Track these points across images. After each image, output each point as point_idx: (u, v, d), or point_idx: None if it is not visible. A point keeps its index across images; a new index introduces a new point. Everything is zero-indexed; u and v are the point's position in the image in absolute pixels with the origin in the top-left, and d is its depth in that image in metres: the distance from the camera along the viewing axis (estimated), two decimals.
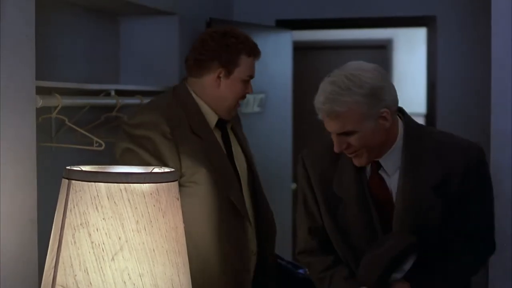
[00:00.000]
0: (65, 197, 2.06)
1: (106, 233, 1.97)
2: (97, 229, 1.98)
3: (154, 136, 2.94)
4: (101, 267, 1.96)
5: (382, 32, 7.31)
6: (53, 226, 2.12)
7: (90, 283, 1.97)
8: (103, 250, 1.97)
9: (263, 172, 4.70)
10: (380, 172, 2.60)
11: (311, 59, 7.41)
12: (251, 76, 3.16)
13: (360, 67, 2.49)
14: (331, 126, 2.47)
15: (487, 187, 2.64)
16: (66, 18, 3.68)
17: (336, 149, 2.50)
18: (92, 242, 1.97)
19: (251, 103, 4.97)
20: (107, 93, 3.70)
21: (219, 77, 3.08)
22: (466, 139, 2.63)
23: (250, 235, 3.13)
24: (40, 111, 2.94)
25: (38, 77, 2.71)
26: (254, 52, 3.14)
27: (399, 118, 2.60)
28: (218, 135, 3.14)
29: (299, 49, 6.18)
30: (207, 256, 3.02)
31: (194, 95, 3.11)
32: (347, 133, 2.46)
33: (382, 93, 2.44)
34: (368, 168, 2.61)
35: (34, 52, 2.63)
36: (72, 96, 3.37)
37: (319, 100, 2.46)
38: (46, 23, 3.28)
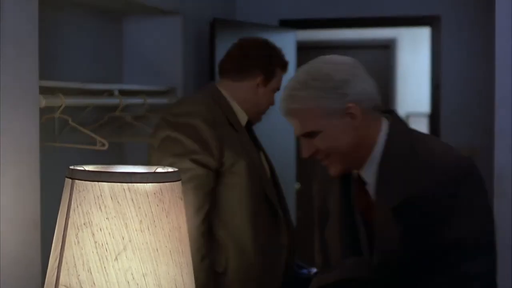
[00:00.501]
0: (68, 197, 2.06)
1: (109, 233, 1.96)
2: (100, 229, 1.97)
3: (198, 124, 3.02)
4: (104, 267, 1.96)
5: (386, 32, 7.31)
6: (56, 226, 2.12)
7: (94, 283, 1.97)
8: (106, 250, 1.96)
9: None
10: (367, 186, 2.26)
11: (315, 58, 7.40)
12: (278, 89, 3.30)
13: (326, 60, 2.21)
14: (294, 127, 2.22)
15: (474, 217, 2.14)
16: (70, 18, 3.68)
17: (303, 154, 2.22)
18: (95, 242, 1.97)
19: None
20: (110, 93, 3.70)
21: (258, 84, 3.23)
22: (458, 155, 2.18)
23: (283, 230, 3.20)
24: (43, 111, 2.95)
25: (41, 77, 2.71)
26: (286, 67, 3.35)
27: (386, 122, 2.23)
28: None
29: (303, 49, 6.18)
30: (244, 247, 3.12)
31: (227, 96, 3.21)
32: (311, 135, 2.18)
33: (346, 87, 2.12)
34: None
35: (37, 52, 2.63)
36: (75, 96, 3.37)
37: (281, 98, 2.22)
38: (49, 23, 3.28)
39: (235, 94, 3.21)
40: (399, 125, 2.24)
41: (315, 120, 2.14)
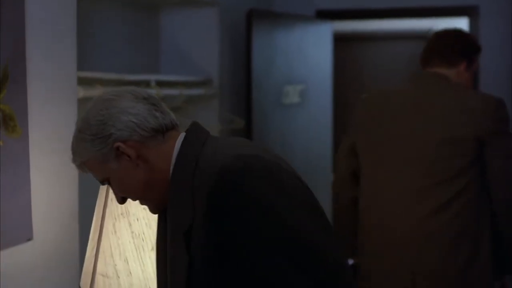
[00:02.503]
0: (106, 187, 2.07)
1: (146, 223, 1.98)
2: (137, 219, 1.99)
3: None
4: (141, 257, 1.98)
5: (423, 23, 7.25)
6: (94, 216, 2.14)
7: (130, 273, 1.99)
8: (143, 240, 1.98)
9: (302, 163, 4.67)
10: None
11: (351, 49, 7.37)
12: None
13: (88, 104, 1.93)
14: None
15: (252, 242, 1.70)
16: (108, 9, 3.70)
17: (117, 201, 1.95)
18: (132, 232, 1.99)
19: (291, 94, 4.96)
20: (147, 84, 3.71)
21: (462, 70, 3.41)
22: (230, 159, 1.75)
23: None
24: (81, 102, 2.97)
25: (79, 68, 2.73)
26: (480, 50, 3.53)
27: (180, 140, 1.89)
28: None
29: (339, 39, 6.16)
30: None
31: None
32: (106, 182, 1.93)
33: (106, 128, 1.83)
34: None
35: (75, 43, 2.65)
36: (113, 86, 3.39)
37: None
38: (87, 14, 3.30)
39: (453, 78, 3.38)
40: (189, 140, 1.88)
41: (96, 170, 1.89)
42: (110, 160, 1.84)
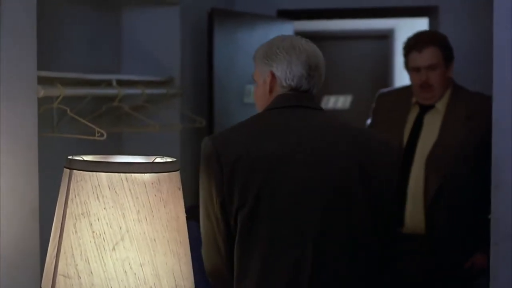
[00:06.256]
0: (66, 187, 2.06)
1: (107, 223, 1.97)
2: (98, 219, 1.98)
3: None
4: (102, 257, 1.97)
5: (384, 22, 7.31)
6: (55, 216, 2.12)
7: (91, 273, 1.98)
8: (104, 240, 1.97)
9: None
10: None
11: None
12: (414, 68, 3.83)
13: None
14: None
15: None
16: (68, 8, 3.68)
17: None
18: (93, 232, 1.98)
19: (253, 93, 4.97)
20: (108, 83, 3.70)
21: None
22: None
23: None
24: (41, 101, 2.95)
25: (39, 67, 2.71)
26: (413, 48, 3.84)
27: None
28: None
29: None
30: None
31: None
32: None
33: None
34: None
35: (35, 42, 2.63)
36: (73, 86, 3.37)
37: None
38: (48, 12, 3.28)
39: None
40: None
41: None
42: None
